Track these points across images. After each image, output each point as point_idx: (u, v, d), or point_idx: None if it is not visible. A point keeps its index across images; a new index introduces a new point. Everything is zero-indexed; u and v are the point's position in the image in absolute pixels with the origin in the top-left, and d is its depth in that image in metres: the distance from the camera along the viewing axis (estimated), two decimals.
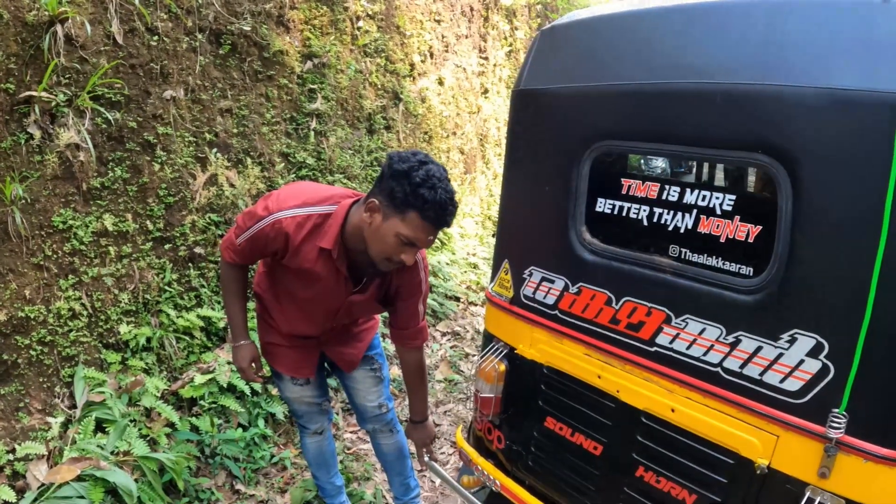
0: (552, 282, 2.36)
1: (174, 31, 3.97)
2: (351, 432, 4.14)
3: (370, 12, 6.14)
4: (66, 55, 3.35)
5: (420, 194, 1.97)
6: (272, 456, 3.71)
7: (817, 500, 1.67)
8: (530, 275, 2.46)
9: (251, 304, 2.92)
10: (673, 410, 1.97)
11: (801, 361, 1.66)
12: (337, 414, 4.14)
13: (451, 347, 5.51)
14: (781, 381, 1.72)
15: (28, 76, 3.20)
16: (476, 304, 6.38)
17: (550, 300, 2.37)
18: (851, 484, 1.62)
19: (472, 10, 8.41)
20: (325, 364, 2.88)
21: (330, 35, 5.52)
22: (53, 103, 3.28)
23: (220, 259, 2.84)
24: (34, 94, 3.19)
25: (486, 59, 8.88)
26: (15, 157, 3.13)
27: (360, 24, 5.99)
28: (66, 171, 3.33)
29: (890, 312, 1.50)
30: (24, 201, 3.14)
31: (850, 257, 1.56)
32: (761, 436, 1.77)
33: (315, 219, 2.18)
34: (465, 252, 7.22)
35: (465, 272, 6.81)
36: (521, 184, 2.57)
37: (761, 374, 1.76)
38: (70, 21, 3.36)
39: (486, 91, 8.86)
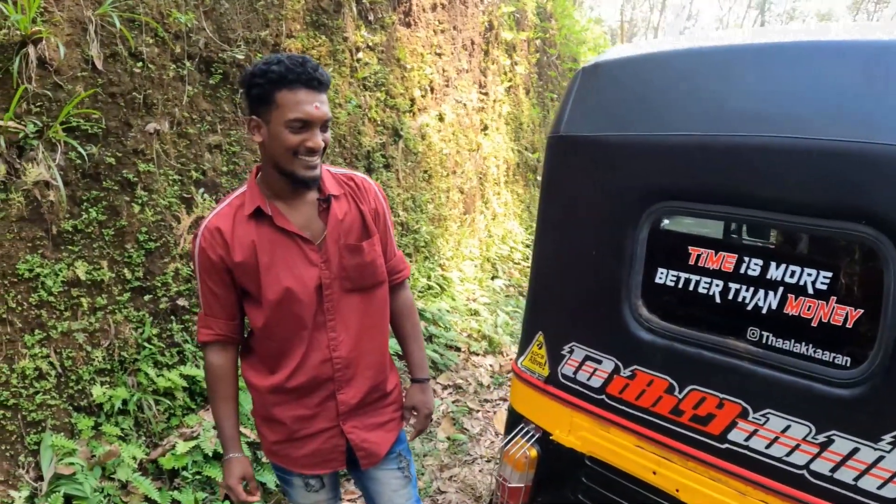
0: (599, 362, 2.16)
1: (160, 57, 3.72)
2: None
3: (370, 43, 5.99)
4: (38, 80, 3.10)
5: (272, 73, 1.86)
6: None
7: None
8: (571, 352, 2.24)
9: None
10: None
11: None
12: None
13: (454, 402, 5.17)
14: (880, 487, 1.59)
15: None
16: (478, 354, 6.06)
17: (596, 383, 2.17)
18: None
19: (472, 43, 8.34)
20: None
21: (329, 67, 5.36)
22: (22, 134, 3.02)
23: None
24: (0, 123, 2.92)
25: (486, 94, 8.82)
26: None
27: (360, 55, 5.83)
28: (34, 212, 3.05)
29: None
30: None
31: None
32: None
33: (233, 201, 2.06)
34: (464, 297, 6.99)
35: (466, 319, 6.53)
36: (560, 244, 2.34)
37: (856, 478, 1.64)
38: (44, 43, 3.10)
39: (485, 128, 8.76)
